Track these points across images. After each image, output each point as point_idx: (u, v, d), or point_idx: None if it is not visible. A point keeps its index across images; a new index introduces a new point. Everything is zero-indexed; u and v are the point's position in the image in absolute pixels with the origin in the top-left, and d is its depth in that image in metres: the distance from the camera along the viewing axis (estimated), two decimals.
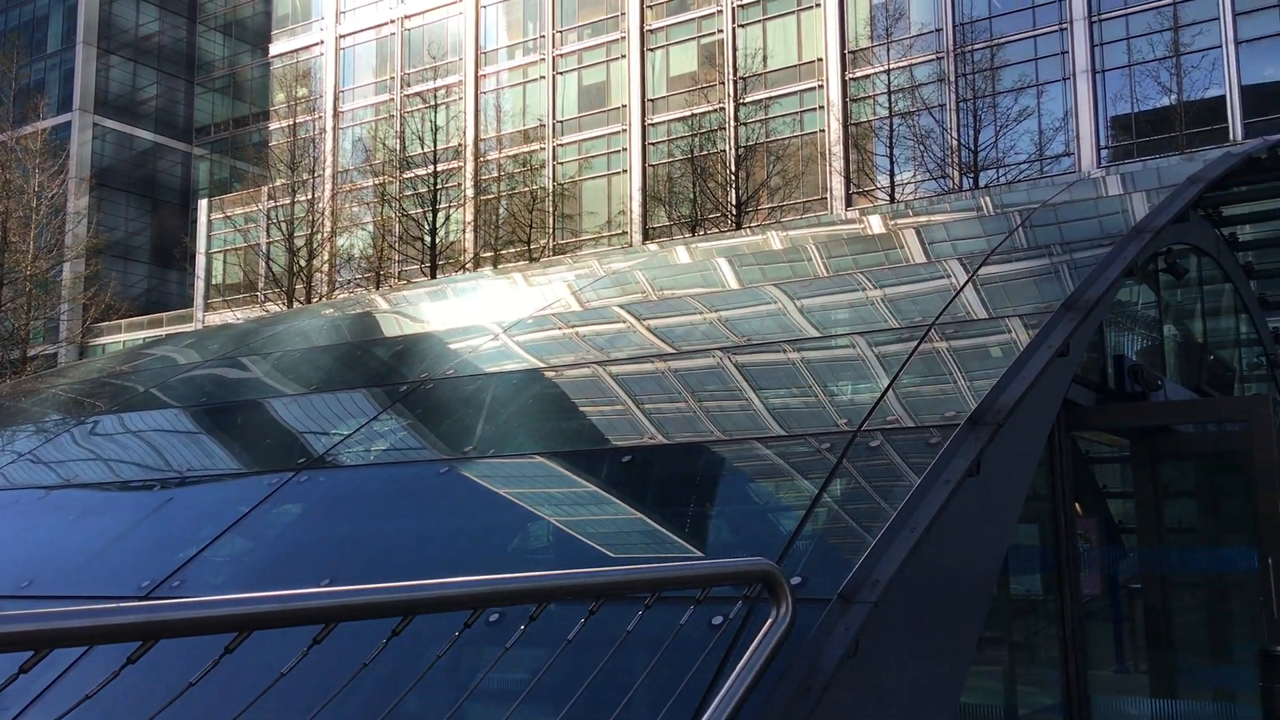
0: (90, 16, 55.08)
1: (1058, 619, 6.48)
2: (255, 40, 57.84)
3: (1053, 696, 6.57)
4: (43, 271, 41.75)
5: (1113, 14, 34.71)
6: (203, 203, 52.95)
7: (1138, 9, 34.20)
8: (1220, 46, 32.99)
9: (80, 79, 54.35)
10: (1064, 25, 35.45)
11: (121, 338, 51.34)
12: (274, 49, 53.97)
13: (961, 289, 7.19)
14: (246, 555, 5.88)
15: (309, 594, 2.16)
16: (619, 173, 43.43)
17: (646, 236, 41.14)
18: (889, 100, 36.49)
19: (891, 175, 35.29)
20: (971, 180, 33.48)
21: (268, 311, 41.07)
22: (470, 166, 43.35)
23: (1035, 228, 9.91)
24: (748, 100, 39.47)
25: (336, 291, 42.21)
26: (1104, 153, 34.64)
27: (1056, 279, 7.96)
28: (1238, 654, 8.00)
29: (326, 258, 43.01)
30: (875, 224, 12.78)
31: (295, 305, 40.58)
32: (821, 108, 39.25)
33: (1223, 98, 32.83)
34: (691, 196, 38.54)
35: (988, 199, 15.29)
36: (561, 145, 44.72)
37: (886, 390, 5.51)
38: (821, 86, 39.39)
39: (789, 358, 6.82)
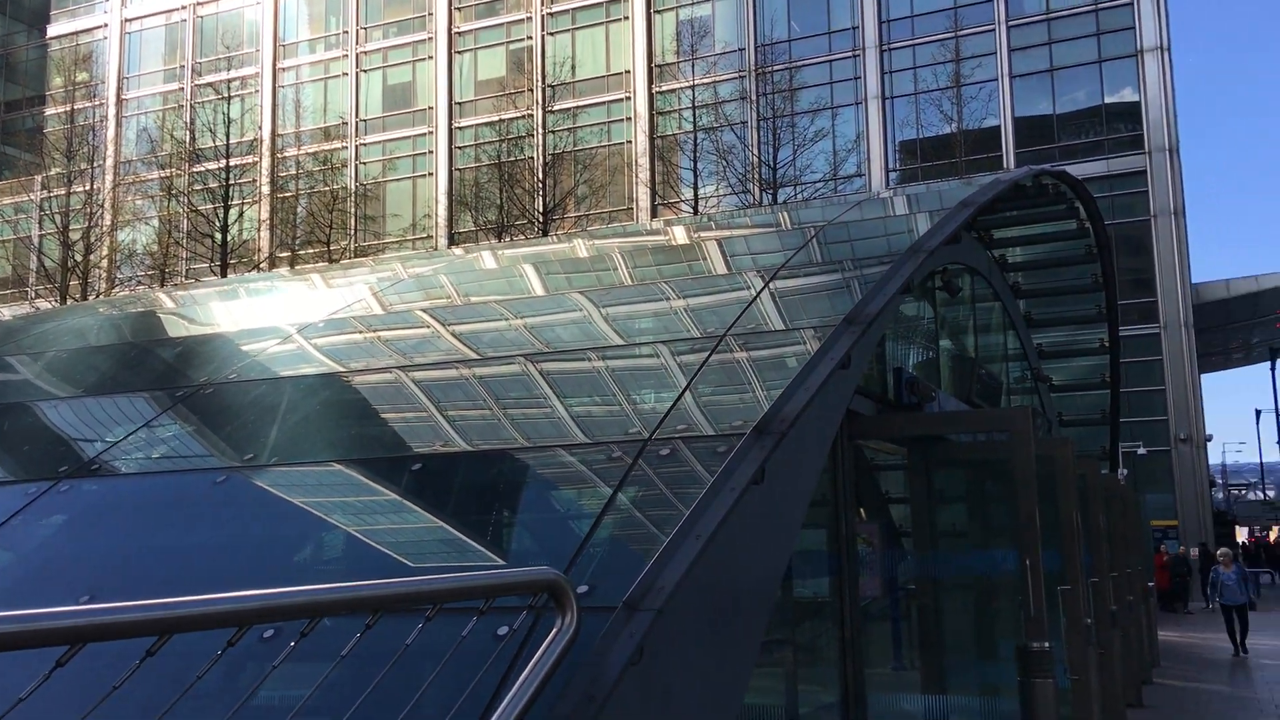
0: None
1: (838, 620, 6.75)
2: (32, 20, 53.96)
3: (832, 694, 6.83)
4: None
5: (901, 44, 36.66)
6: None
7: (924, 40, 36.25)
8: (997, 80, 35.33)
9: None
10: (857, 52, 37.18)
11: None
12: (52, 30, 50.48)
13: (752, 301, 7.41)
14: None
15: (53, 613, 2.02)
16: (424, 175, 42.75)
17: (452, 241, 40.63)
18: (694, 115, 37.34)
19: (695, 188, 36.11)
20: (771, 196, 34.63)
21: (37, 309, 38.33)
22: (266, 162, 41.76)
23: (827, 244, 10.29)
24: (556, 108, 39.60)
25: (116, 289, 39.79)
26: (892, 175, 36.51)
27: (843, 293, 8.28)
28: (1001, 650, 8.54)
29: (105, 253, 40.48)
30: (679, 235, 13.01)
31: (70, 302, 38.02)
32: (629, 119, 39.79)
33: (998, 128, 35.18)
34: (498, 202, 38.33)
35: (785, 214, 15.82)
36: (365, 145, 43.66)
37: (678, 399, 5.62)
38: (629, 98, 39.94)
39: (591, 365, 6.86)
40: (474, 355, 7.51)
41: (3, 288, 45.92)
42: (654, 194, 38.48)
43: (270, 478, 5.79)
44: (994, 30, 35.48)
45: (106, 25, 48.89)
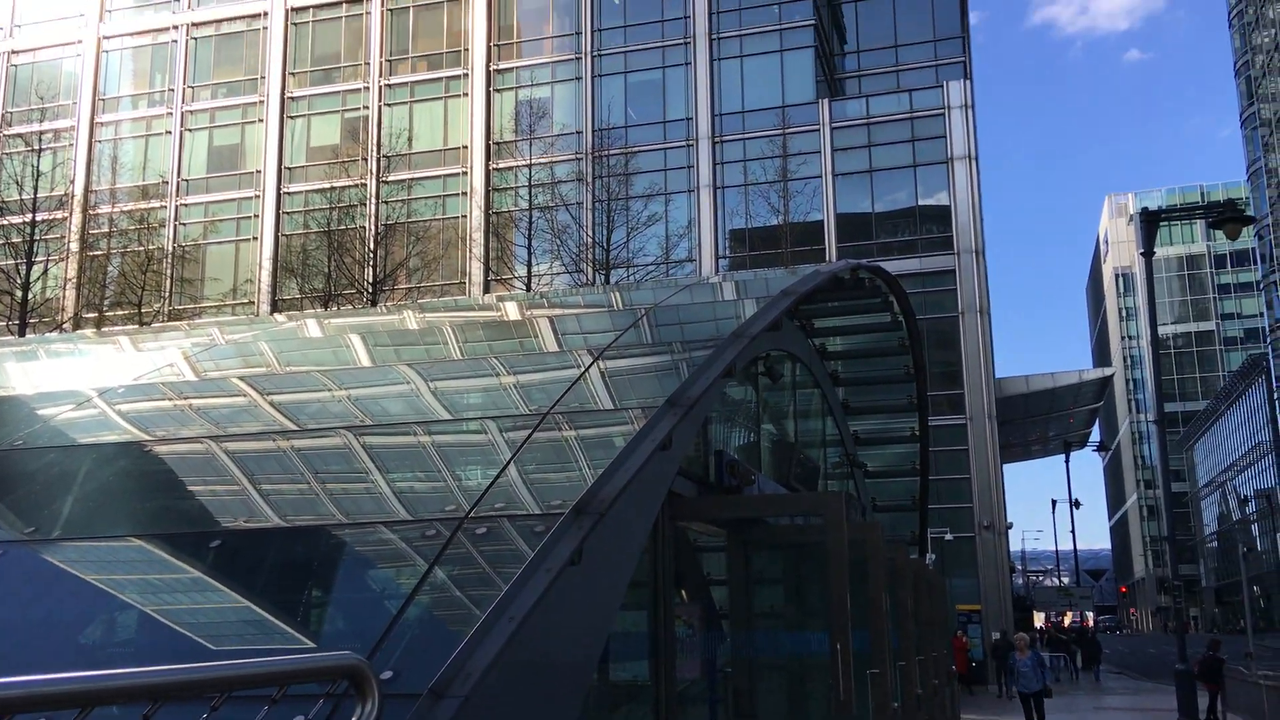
0: None
1: (653, 703, 6.71)
2: None
3: None
4: None
5: (733, 137, 38.06)
6: None
7: (754, 135, 37.74)
8: (821, 177, 37.02)
9: None
10: (691, 142, 38.38)
11: None
12: None
13: (578, 379, 7.44)
14: None
15: None
16: (249, 239, 41.53)
17: (275, 309, 39.42)
18: (530, 193, 37.64)
19: (529, 265, 36.25)
20: (603, 276, 35.07)
21: None
22: (77, 218, 39.76)
23: (656, 325, 10.44)
24: (391, 179, 39.25)
25: None
26: (722, 261, 37.57)
27: (670, 374, 8.40)
28: None
29: None
30: (510, 311, 12.98)
31: None
32: (465, 194, 39.78)
33: (821, 222, 36.77)
34: (326, 271, 37.50)
35: (616, 294, 16.04)
36: (185, 205, 42.17)
37: (498, 476, 5.56)
38: (465, 173, 39.97)
39: (415, 439, 6.72)
40: (293, 426, 7.26)
41: None
42: (487, 269, 38.42)
43: (57, 552, 5.40)
44: (819, 130, 37.26)
45: None
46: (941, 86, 37.16)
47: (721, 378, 7.22)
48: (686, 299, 12.12)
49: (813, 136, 37.24)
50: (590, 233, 36.60)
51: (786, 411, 13.39)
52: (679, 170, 38.39)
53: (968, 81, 37.58)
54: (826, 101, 37.65)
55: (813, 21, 37.94)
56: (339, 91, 42.05)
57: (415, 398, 7.88)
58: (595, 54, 39.62)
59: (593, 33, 39.80)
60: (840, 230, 36.67)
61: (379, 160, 39.27)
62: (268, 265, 40.01)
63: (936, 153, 36.67)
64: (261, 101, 42.29)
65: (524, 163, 38.09)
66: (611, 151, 37.25)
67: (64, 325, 37.62)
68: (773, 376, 10.67)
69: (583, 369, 8.03)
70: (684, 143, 38.47)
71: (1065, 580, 69.11)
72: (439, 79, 41.19)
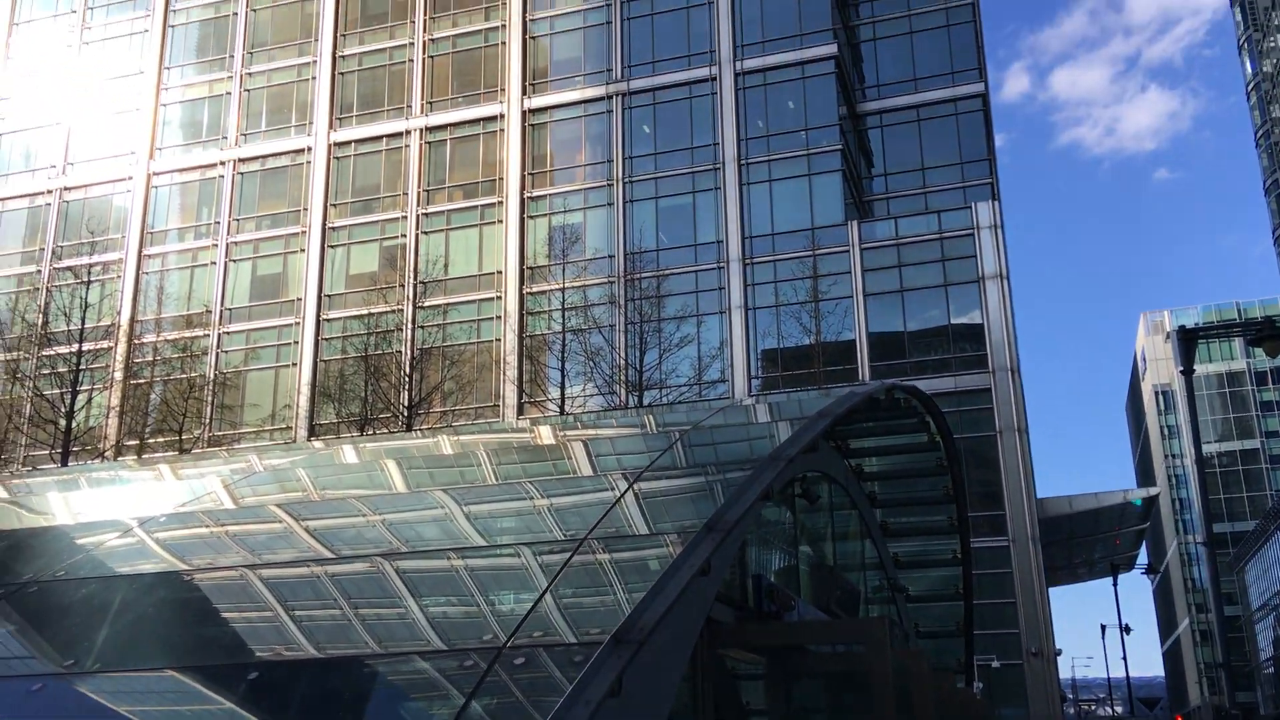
0: None
1: None
2: None
3: None
4: None
5: (763, 259, 38.53)
6: None
7: (784, 257, 38.19)
8: (852, 297, 37.27)
9: None
10: (722, 264, 38.88)
11: None
12: None
13: (615, 504, 7.41)
14: None
15: None
16: (288, 366, 42.15)
17: (313, 433, 39.75)
18: (563, 317, 38.10)
19: (563, 387, 36.45)
20: (637, 398, 35.17)
21: None
22: (122, 348, 40.56)
23: (691, 448, 10.42)
24: (427, 304, 39.92)
25: None
26: (755, 381, 37.64)
27: (706, 498, 8.34)
28: None
29: None
30: (544, 434, 13.02)
31: None
32: (499, 318, 40.33)
33: (854, 341, 36.88)
34: (363, 395, 37.89)
35: (650, 417, 16.05)
36: (228, 333, 43.00)
37: (536, 604, 5.51)
38: (500, 298, 40.59)
39: (450, 565, 6.69)
40: (328, 554, 7.26)
41: None
42: (521, 392, 38.68)
43: (94, 685, 5.38)
44: (849, 251, 37.67)
45: None
46: (970, 207, 37.62)
47: (759, 501, 7.18)
48: (720, 421, 12.13)
49: (843, 257, 37.64)
50: (623, 355, 36.86)
51: (824, 534, 13.22)
52: (710, 292, 38.81)
53: (996, 202, 38.03)
54: (856, 223, 38.15)
55: (840, 146, 38.73)
56: (378, 221, 43.11)
57: (450, 522, 7.88)
58: (626, 180, 40.54)
59: (624, 160, 40.79)
60: (873, 349, 36.74)
61: (415, 286, 40.01)
62: (306, 390, 40.50)
63: (967, 272, 36.90)
64: (303, 232, 43.42)
65: (557, 286, 38.69)
66: (643, 274, 37.77)
67: (106, 453, 38.04)
68: (810, 499, 10.58)
69: (618, 493, 8.01)
70: (715, 265, 38.96)
71: (1118, 709, 66.64)
72: (474, 207, 42.20)
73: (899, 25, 42.02)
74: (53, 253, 44.79)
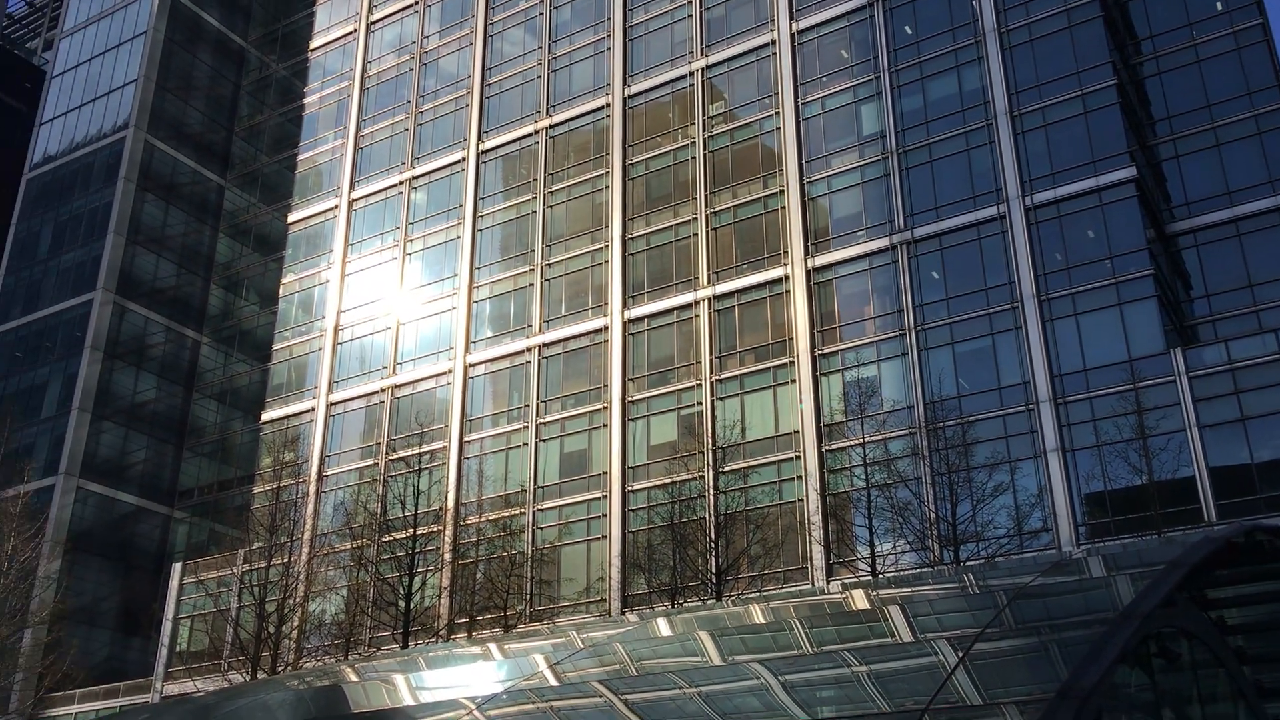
0: (89, 384, 57.02)
1: None
2: (248, 407, 59.58)
3: None
4: (4, 638, 40.15)
5: (1076, 397, 36.23)
6: (176, 566, 52.21)
7: (1101, 393, 35.71)
8: (1184, 430, 34.18)
9: (70, 443, 55.35)
10: (1030, 406, 36.92)
11: (74, 709, 48.74)
12: (266, 415, 55.46)
13: (953, 670, 6.91)
14: None
15: None
16: (598, 539, 43.40)
17: (625, 604, 40.40)
18: (865, 472, 37.22)
19: (871, 546, 35.32)
20: (952, 553, 33.47)
21: (230, 681, 39.32)
22: (450, 530, 43.30)
23: (1020, 607, 9.72)
24: (727, 469, 40.22)
25: (304, 660, 40.62)
26: (1081, 529, 34.94)
27: (1048, 662, 7.70)
28: None
29: (296, 623, 41.77)
30: (858, 598, 12.58)
31: (260, 674, 38.87)
32: (799, 478, 39.96)
33: (1192, 478, 33.58)
34: (671, 564, 38.28)
35: (970, 576, 15.19)
36: (542, 510, 44.98)
37: None
38: (799, 457, 40.32)
39: None
40: None
41: (200, 660, 47.53)
42: (828, 553, 37.80)
43: None
44: (1175, 381, 34.83)
45: (313, 409, 53.41)
46: None
47: (1115, 663, 6.48)
48: (1052, 579, 11.24)
49: (1169, 388, 34.81)
50: (933, 508, 35.36)
51: (1189, 697, 11.80)
52: (1021, 436, 36.83)
53: None
54: (1180, 350, 35.33)
55: (1151, 271, 36.40)
56: (674, 390, 44.36)
57: (767, 693, 7.62)
58: (919, 329, 39.76)
59: (914, 308, 40.14)
60: (1216, 486, 33.30)
61: (714, 452, 40.51)
62: (616, 563, 41.43)
63: None
64: (605, 408, 45.29)
65: (857, 442, 37.99)
66: (947, 423, 36.45)
67: (440, 633, 40.23)
68: (1169, 657, 9.47)
69: (942, 658, 7.51)
70: (1023, 408, 37.08)
71: None
72: (766, 369, 42.61)
73: (1204, 139, 39.58)
74: (387, 445, 48.97)
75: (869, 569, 34.99)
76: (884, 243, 41.60)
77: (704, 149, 47.04)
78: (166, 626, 49.91)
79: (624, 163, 48.95)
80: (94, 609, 53.88)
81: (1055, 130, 39.83)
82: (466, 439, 48.41)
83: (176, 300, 61.62)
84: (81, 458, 55.57)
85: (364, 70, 59.98)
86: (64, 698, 48.03)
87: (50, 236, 62.74)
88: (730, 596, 35.65)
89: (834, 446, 39.79)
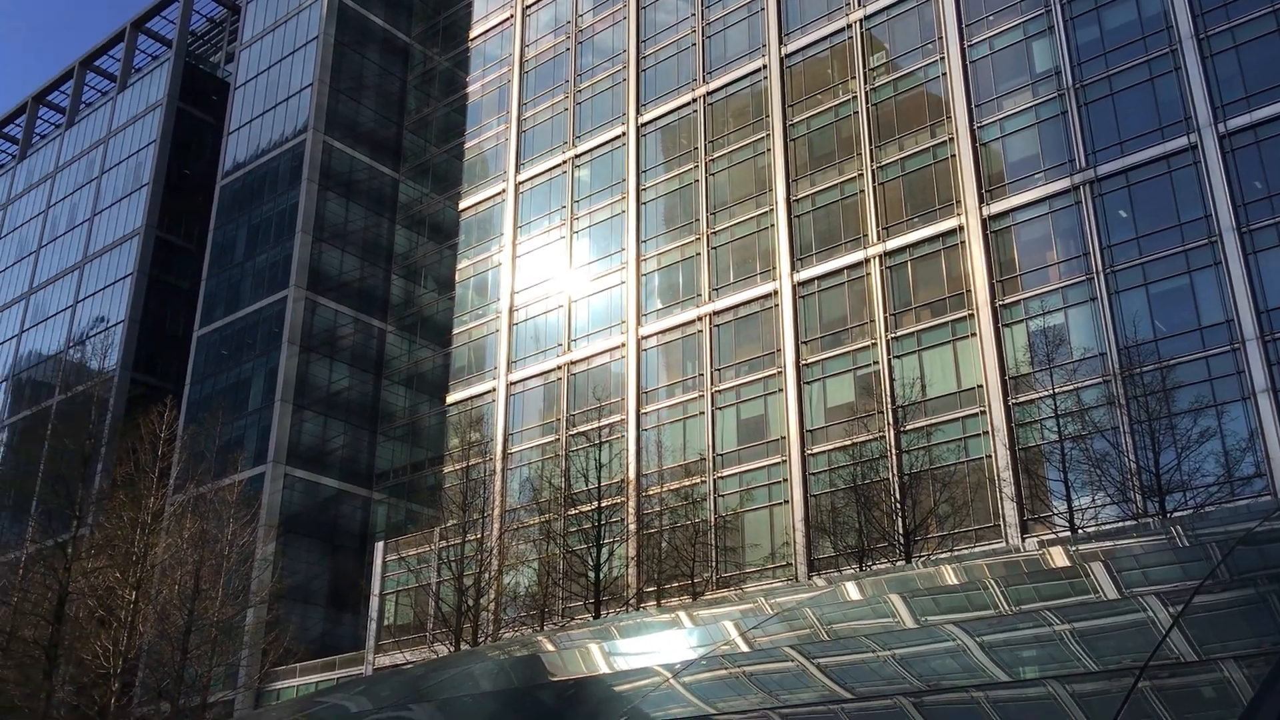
0: (289, 377, 60.31)
1: None
2: (433, 391, 61.88)
3: None
4: (229, 618, 43.08)
5: None
6: (379, 545, 54.89)
7: None
8: None
9: (275, 433, 58.75)
10: (1236, 345, 34.70)
11: (296, 682, 51.99)
12: (450, 398, 57.55)
13: (1172, 627, 6.55)
14: None
15: None
16: (781, 504, 43.26)
17: (811, 568, 40.18)
18: (1057, 425, 35.76)
19: (1069, 500, 33.94)
20: (1157, 504, 31.85)
21: (435, 653, 41.17)
22: (633, 502, 43.97)
23: (1240, 558, 9.13)
24: (909, 428, 39.36)
25: (502, 630, 42.13)
26: None
27: (1269, 614, 7.21)
28: None
29: (493, 597, 43.34)
30: (1056, 555, 12.12)
31: (463, 645, 40.55)
32: (986, 433, 38.76)
33: None
34: (857, 526, 37.81)
35: (1178, 528, 14.41)
36: (722, 478, 45.13)
37: None
38: (984, 412, 39.09)
39: (973, 699, 6.24)
40: (845, 694, 7.09)
41: (406, 633, 49.93)
42: (1022, 509, 36.54)
43: None
44: None
45: (494, 390, 55.09)
46: None
47: None
48: (1273, 524, 10.51)
49: None
50: (1133, 458, 33.68)
51: None
52: (1226, 378, 34.68)
53: None
54: None
55: None
56: (849, 351, 43.66)
57: (965, 655, 7.41)
58: (1108, 271, 37.84)
59: (1101, 250, 38.22)
60: None
61: (895, 411, 39.70)
62: (800, 527, 41.21)
63: None
64: (779, 372, 44.99)
65: (1047, 393, 36.51)
66: (1145, 369, 34.58)
67: (630, 602, 40.99)
68: None
69: (1153, 614, 7.12)
70: (1227, 347, 34.87)
71: None
72: (944, 323, 41.44)
73: None
74: (567, 421, 50.06)
75: (1067, 524, 33.66)
76: (1065, 184, 39.71)
77: (866, 103, 45.92)
78: (374, 602, 52.60)
79: (784, 123, 48.29)
80: (307, 588, 57.23)
81: (1247, 51, 37.08)
82: (643, 410, 48.97)
83: (362, 292, 64.42)
84: (287, 446, 58.90)
85: (522, 54, 61.08)
86: (286, 671, 51.28)
87: (245, 240, 66.47)
88: (920, 557, 34.95)
89: (1021, 399, 38.39)
